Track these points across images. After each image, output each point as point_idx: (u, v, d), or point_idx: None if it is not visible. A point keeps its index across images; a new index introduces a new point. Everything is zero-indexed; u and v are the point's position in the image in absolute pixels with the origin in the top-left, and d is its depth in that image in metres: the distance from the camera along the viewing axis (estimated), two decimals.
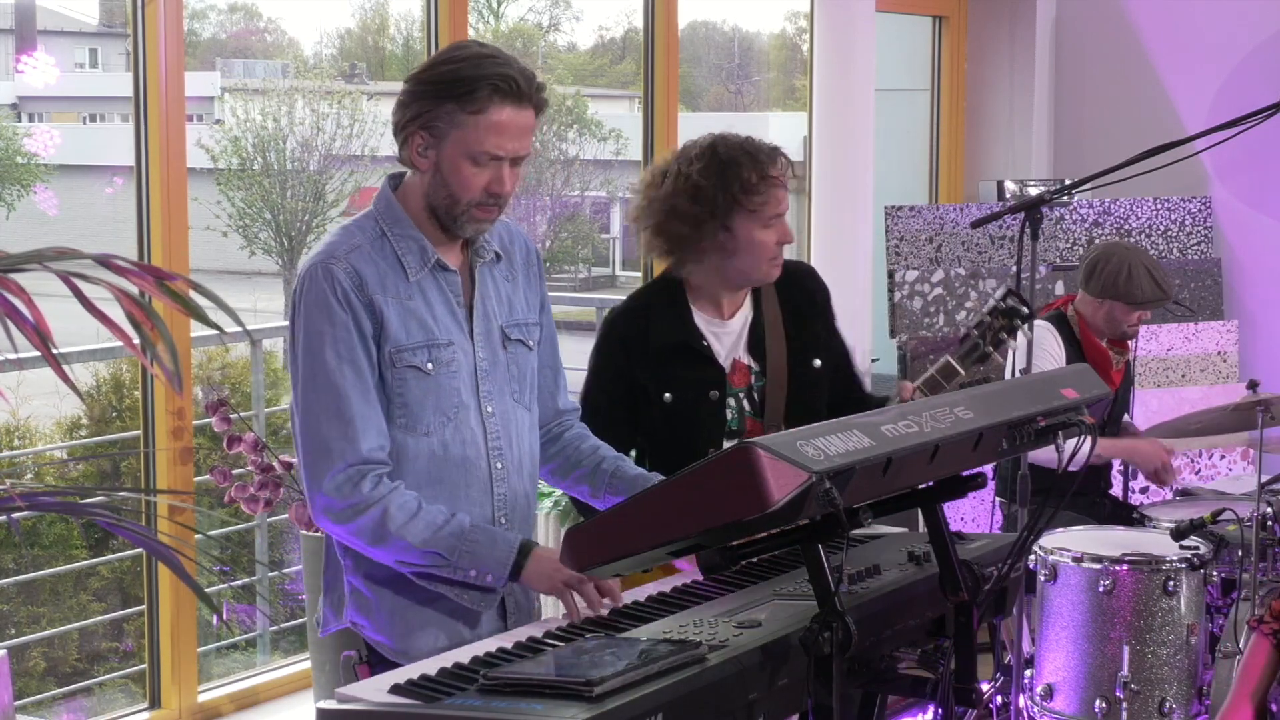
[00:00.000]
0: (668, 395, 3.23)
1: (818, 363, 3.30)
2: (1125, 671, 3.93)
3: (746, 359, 3.28)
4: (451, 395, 2.70)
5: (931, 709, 2.52)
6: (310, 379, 2.64)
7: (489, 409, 2.76)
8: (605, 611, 2.59)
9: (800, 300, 3.33)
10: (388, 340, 2.65)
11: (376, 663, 2.69)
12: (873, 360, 6.04)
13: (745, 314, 3.30)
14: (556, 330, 3.03)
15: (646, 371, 3.23)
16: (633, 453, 3.28)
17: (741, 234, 3.18)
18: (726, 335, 3.28)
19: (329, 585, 2.78)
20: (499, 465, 2.77)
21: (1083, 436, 2.52)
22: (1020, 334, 3.22)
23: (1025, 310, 3.18)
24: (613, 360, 3.27)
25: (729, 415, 3.26)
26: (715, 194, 3.15)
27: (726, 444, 3.23)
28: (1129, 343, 4.90)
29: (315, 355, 2.63)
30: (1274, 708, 3.03)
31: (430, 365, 2.68)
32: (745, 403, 3.28)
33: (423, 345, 2.67)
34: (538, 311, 2.90)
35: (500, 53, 2.65)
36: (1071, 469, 2.48)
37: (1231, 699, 3.14)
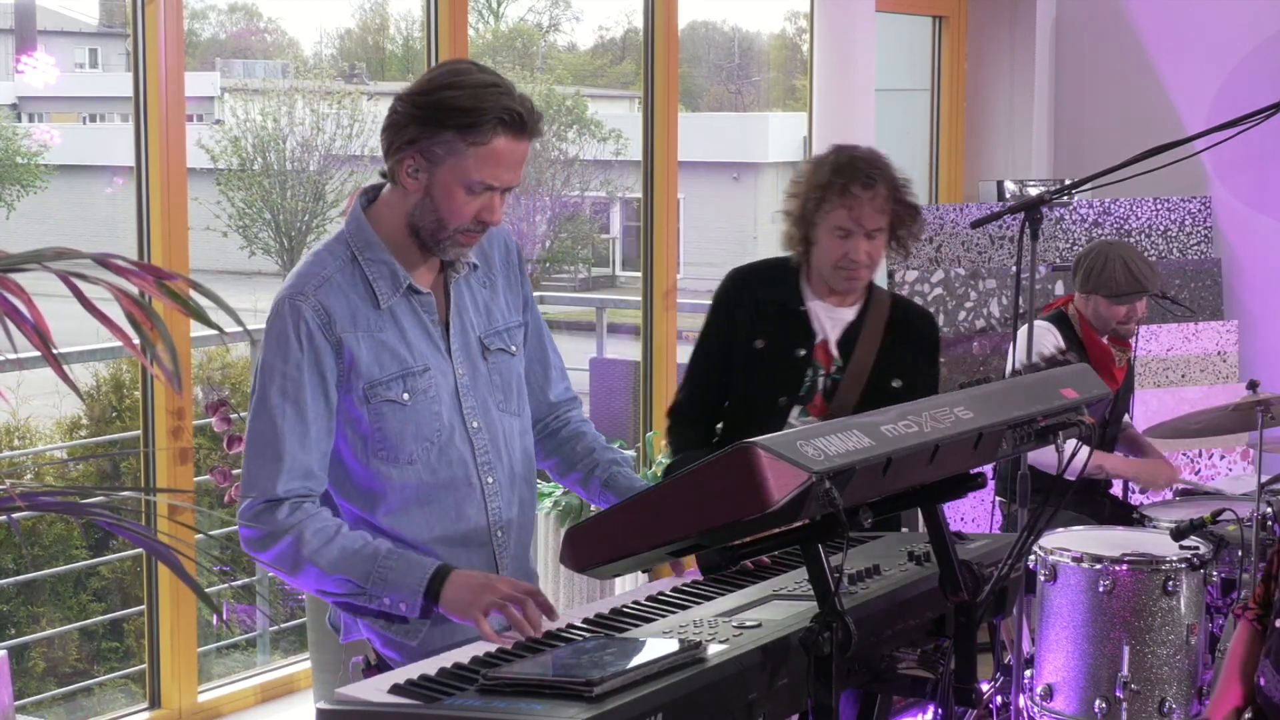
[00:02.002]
0: (759, 342, 3.53)
1: (898, 383, 3.49)
2: (1125, 671, 3.93)
3: (834, 349, 3.52)
4: (432, 420, 2.68)
5: (931, 709, 2.52)
6: (256, 411, 2.63)
7: (474, 425, 2.73)
8: (538, 633, 2.46)
9: (904, 329, 3.56)
10: (359, 377, 2.62)
11: (385, 670, 2.67)
12: None
13: (850, 313, 3.55)
14: (551, 328, 3.01)
15: (744, 321, 3.56)
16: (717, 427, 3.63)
17: (816, 235, 3.50)
18: (826, 317, 3.54)
19: None
20: (490, 480, 2.74)
21: (1082, 438, 2.52)
22: None
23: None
24: (717, 314, 3.60)
25: (806, 379, 3.49)
26: (805, 195, 3.50)
27: (796, 407, 3.49)
28: (1131, 341, 4.90)
29: (263, 389, 2.62)
30: (1261, 681, 3.05)
31: (406, 396, 2.65)
32: (822, 381, 3.51)
33: (397, 376, 2.64)
34: (520, 310, 2.87)
35: (501, 79, 2.61)
36: (1069, 478, 2.48)
37: (1221, 682, 3.16)
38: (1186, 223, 6.37)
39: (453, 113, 2.56)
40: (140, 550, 4.27)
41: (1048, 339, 4.72)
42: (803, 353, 3.50)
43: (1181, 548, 4.05)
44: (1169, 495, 5.09)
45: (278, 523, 2.58)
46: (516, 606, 2.49)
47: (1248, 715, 3.06)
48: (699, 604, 2.60)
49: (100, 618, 6.82)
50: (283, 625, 6.31)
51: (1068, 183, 4.31)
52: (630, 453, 5.49)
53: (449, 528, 2.70)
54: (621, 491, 2.89)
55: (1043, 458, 4.18)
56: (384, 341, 2.65)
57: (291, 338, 2.60)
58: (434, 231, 2.64)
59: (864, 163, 3.45)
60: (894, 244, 3.50)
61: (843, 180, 3.42)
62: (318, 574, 2.58)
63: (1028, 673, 4.11)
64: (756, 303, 3.56)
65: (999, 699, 4.04)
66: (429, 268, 2.73)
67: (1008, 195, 6.16)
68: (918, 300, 5.92)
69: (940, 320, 5.94)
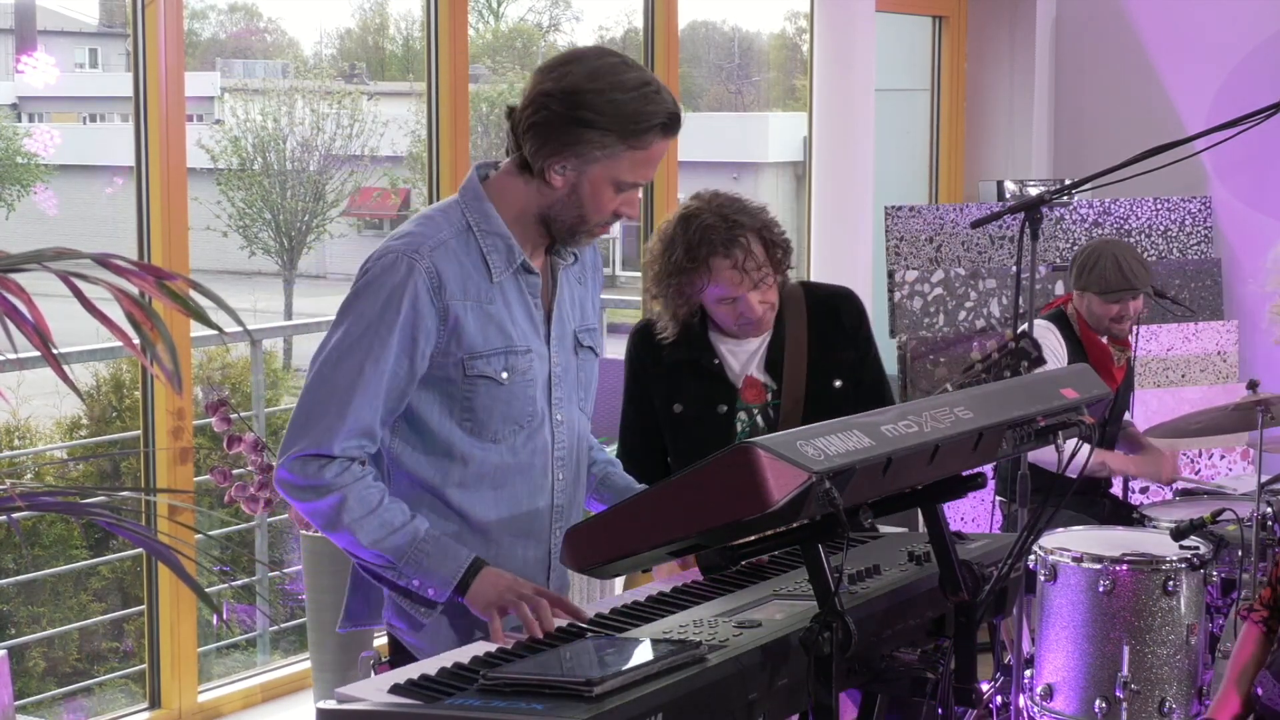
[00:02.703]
0: (677, 406, 3.33)
1: (838, 383, 3.31)
2: (1125, 671, 3.93)
3: (762, 377, 3.33)
4: (526, 404, 2.65)
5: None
6: (335, 354, 2.57)
7: (559, 417, 2.71)
8: (548, 628, 2.49)
9: (826, 324, 3.34)
10: (461, 347, 2.58)
11: (400, 664, 2.66)
12: None
13: (764, 334, 3.33)
14: None
15: (658, 385, 3.34)
16: None
17: (704, 304, 3.26)
18: (742, 352, 3.33)
19: (361, 581, 2.73)
20: (560, 476, 2.73)
21: (1082, 438, 2.52)
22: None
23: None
24: (634, 380, 3.39)
25: (739, 428, 3.31)
26: (666, 281, 3.24)
27: None
28: (1130, 340, 4.90)
29: (351, 337, 2.56)
30: (1259, 691, 3.03)
31: (505, 374, 2.62)
32: (760, 418, 3.32)
33: (500, 352, 2.61)
34: (599, 313, 2.87)
35: (650, 76, 2.59)
36: (1070, 474, 2.48)
37: (1222, 688, 3.14)
38: (1186, 223, 6.37)
39: (614, 118, 2.53)
40: (140, 550, 4.27)
41: (1048, 338, 4.72)
42: (725, 409, 3.31)
43: (1181, 548, 4.05)
44: (1169, 495, 5.09)
45: (324, 480, 2.55)
46: (530, 607, 2.50)
47: None
48: (699, 604, 2.60)
49: (100, 618, 6.83)
50: (283, 625, 6.31)
51: (1068, 183, 4.32)
52: None
53: (516, 514, 2.68)
54: (618, 490, 2.89)
55: (1043, 455, 4.18)
56: (492, 314, 2.61)
57: (397, 295, 2.55)
58: (574, 225, 2.63)
59: (716, 229, 3.15)
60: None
61: (698, 261, 3.16)
62: (353, 541, 2.57)
63: (1028, 673, 4.11)
64: (666, 366, 3.34)
65: (999, 699, 4.04)
66: (539, 252, 2.70)
67: (1008, 195, 6.15)
68: (917, 301, 5.92)
69: (940, 320, 5.94)
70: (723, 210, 3.19)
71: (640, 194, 2.65)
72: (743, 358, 3.34)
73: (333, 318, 2.64)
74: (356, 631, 2.78)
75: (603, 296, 2.93)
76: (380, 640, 4.34)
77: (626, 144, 2.55)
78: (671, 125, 2.59)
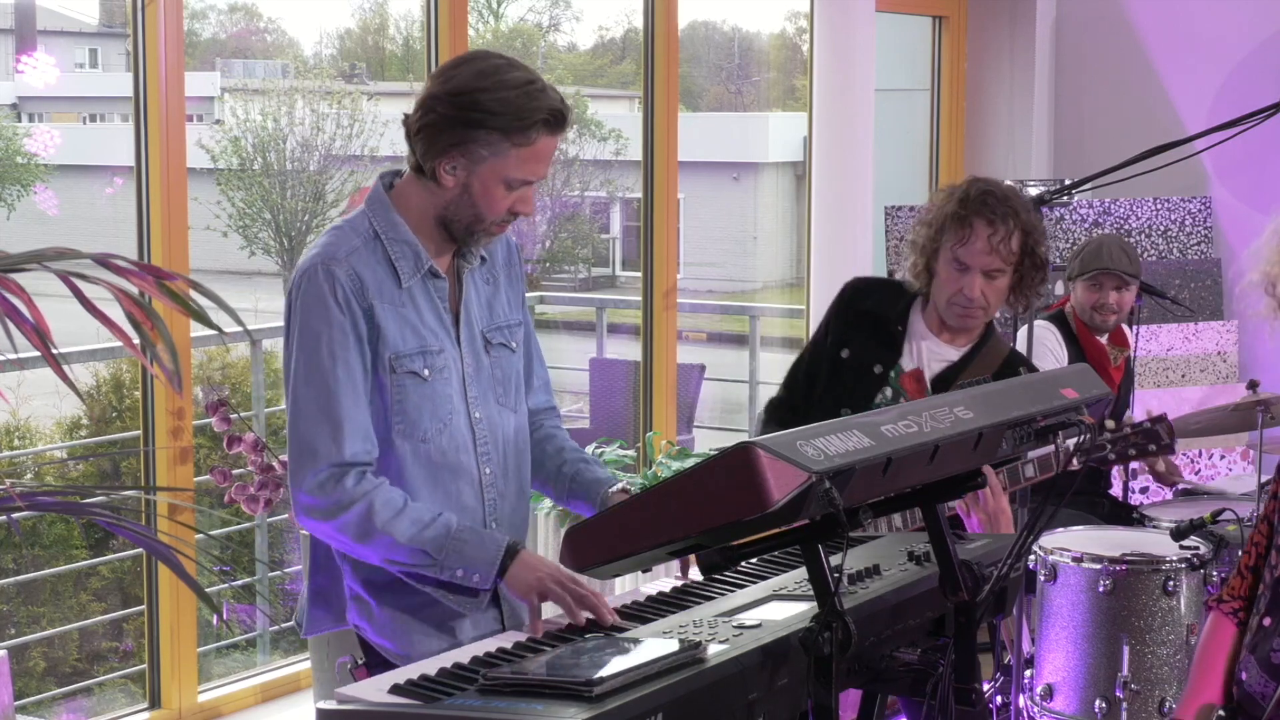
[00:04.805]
0: (845, 352, 3.45)
1: None
2: (1125, 671, 3.93)
3: (928, 384, 3.42)
4: (445, 401, 2.71)
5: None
6: (303, 378, 2.63)
7: (476, 415, 2.76)
8: (583, 619, 2.55)
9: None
10: (387, 346, 2.65)
11: (375, 664, 2.69)
12: None
13: (954, 354, 3.45)
14: (551, 328, 3.04)
15: (841, 326, 3.48)
16: None
17: (936, 266, 3.40)
18: (928, 349, 3.44)
19: (321, 588, 2.77)
20: (488, 470, 2.78)
21: (1083, 436, 2.53)
22: (1147, 460, 3.55)
23: (1165, 441, 3.33)
24: (825, 319, 3.53)
25: (879, 400, 3.39)
26: (930, 223, 3.40)
27: None
28: (1129, 338, 4.90)
29: (309, 355, 2.62)
30: (1243, 675, 2.98)
31: (427, 371, 2.68)
32: None
33: (418, 352, 2.68)
34: (520, 309, 2.90)
35: (536, 76, 2.64)
36: (1072, 467, 2.48)
37: (1195, 678, 3.06)
38: (1186, 223, 6.37)
39: (498, 116, 2.59)
40: (140, 550, 4.27)
41: (1048, 339, 4.72)
42: (879, 369, 3.41)
43: (1181, 548, 4.05)
44: (1169, 495, 5.09)
45: (346, 491, 2.60)
46: (573, 597, 2.55)
47: (1221, 713, 3.01)
48: (699, 604, 2.60)
49: (100, 618, 6.82)
50: (283, 625, 6.30)
51: (1068, 183, 4.32)
52: (630, 453, 5.48)
53: (450, 509, 2.70)
54: (587, 484, 2.90)
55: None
56: (405, 317, 2.68)
57: (330, 301, 2.61)
58: (470, 225, 2.69)
59: (994, 199, 3.32)
60: (1012, 293, 3.39)
61: (965, 213, 3.31)
62: (389, 544, 2.60)
63: (1028, 673, 4.11)
64: (856, 312, 3.48)
65: (999, 699, 4.04)
66: (445, 256, 2.76)
67: None
68: None
69: None
70: (1011, 194, 3.35)
71: (534, 190, 2.70)
72: (924, 354, 3.43)
73: None
74: (341, 636, 2.79)
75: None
76: None
77: (511, 141, 2.61)
78: (556, 122, 2.63)
